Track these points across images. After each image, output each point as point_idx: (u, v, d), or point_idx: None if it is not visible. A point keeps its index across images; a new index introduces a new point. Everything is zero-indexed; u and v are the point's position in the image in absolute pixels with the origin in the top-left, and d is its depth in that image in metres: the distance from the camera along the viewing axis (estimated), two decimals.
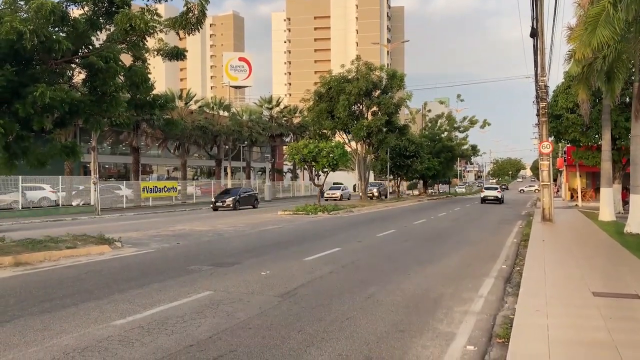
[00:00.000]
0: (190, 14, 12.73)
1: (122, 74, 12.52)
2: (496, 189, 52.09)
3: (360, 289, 9.47)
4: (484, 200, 47.96)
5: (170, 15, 14.43)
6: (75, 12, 12.61)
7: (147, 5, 12.55)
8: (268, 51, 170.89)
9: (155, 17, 12.29)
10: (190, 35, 13.32)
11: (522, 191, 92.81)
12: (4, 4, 11.37)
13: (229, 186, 47.94)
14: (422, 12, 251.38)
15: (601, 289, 8.71)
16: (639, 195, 17.81)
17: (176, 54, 13.83)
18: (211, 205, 36.84)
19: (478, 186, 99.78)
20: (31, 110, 11.10)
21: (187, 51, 14.55)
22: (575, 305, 7.79)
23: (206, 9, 12.83)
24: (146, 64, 13.54)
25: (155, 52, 13.57)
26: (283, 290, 9.24)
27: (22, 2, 11.40)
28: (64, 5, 11.83)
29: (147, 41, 13.14)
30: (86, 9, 12.42)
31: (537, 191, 59.62)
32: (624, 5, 13.57)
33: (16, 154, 12.68)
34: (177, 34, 13.17)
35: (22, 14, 11.04)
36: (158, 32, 12.64)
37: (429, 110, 79.83)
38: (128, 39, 12.58)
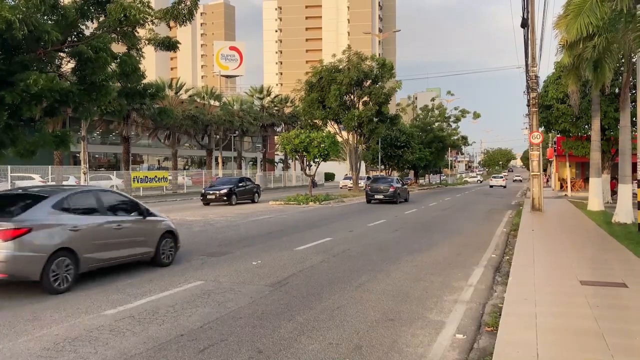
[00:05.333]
0: (182, 5, 12.63)
1: (112, 63, 12.42)
2: (502, 177, 70.54)
3: (351, 278, 9.52)
4: (491, 186, 64.46)
5: (160, 6, 14.32)
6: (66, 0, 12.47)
7: None
8: (259, 40, 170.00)
9: (147, 8, 12.19)
10: (182, 26, 13.22)
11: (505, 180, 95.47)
12: None
13: (220, 175, 47.62)
14: (414, 2, 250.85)
15: (589, 278, 8.81)
16: (627, 185, 17.98)
17: (168, 45, 13.72)
18: (201, 198, 30.72)
19: (478, 177, 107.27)
20: (19, 98, 10.99)
21: (179, 43, 14.44)
22: (563, 294, 7.88)
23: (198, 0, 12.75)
24: (140, 52, 13.44)
25: (147, 42, 13.46)
26: (274, 280, 9.27)
27: None
28: None
29: (137, 32, 13.03)
30: None
31: (505, 179, 73.13)
32: None
33: (4, 143, 12.56)
34: (168, 25, 13.06)
35: (11, 1, 10.89)
36: (150, 22, 12.53)
37: (414, 100, 79.84)
38: (119, 29, 12.47)
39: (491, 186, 65.08)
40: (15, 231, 7.91)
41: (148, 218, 10.65)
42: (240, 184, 31.76)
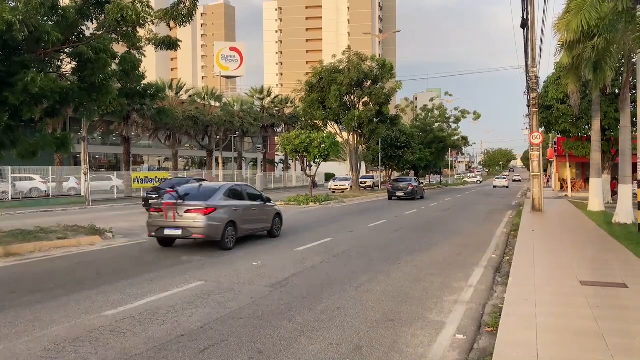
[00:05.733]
0: (182, 5, 12.66)
1: (112, 63, 12.45)
2: (504, 178, 75.36)
3: (351, 278, 9.53)
4: (495, 186, 67.87)
5: (160, 6, 14.35)
6: (65, 0, 12.49)
7: None
8: (259, 41, 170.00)
9: (147, 8, 12.21)
10: (182, 26, 13.25)
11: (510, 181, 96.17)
12: None
13: (221, 177, 47.41)
14: (414, 3, 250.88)
15: (589, 278, 8.81)
16: (628, 185, 17.97)
17: (169, 44, 13.75)
18: (142, 204, 25.00)
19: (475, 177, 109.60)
20: (21, 99, 11.01)
21: (180, 41, 14.47)
22: (563, 294, 7.88)
23: (197, 0, 12.78)
24: (141, 51, 13.46)
25: (148, 42, 13.49)
26: (274, 280, 9.28)
27: None
28: None
29: (138, 32, 13.06)
30: None
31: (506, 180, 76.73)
32: None
33: (4, 144, 12.59)
34: (168, 25, 13.09)
35: (11, 2, 10.92)
36: (149, 23, 12.56)
37: (412, 101, 79.80)
38: (119, 29, 12.50)
39: (494, 186, 68.33)
40: (208, 209, 12.55)
41: (267, 204, 15.27)
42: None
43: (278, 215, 15.67)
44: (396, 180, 40.12)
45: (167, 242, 13.49)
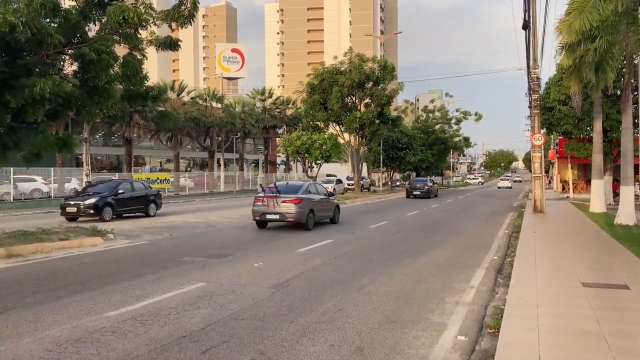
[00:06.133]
0: (183, 7, 12.69)
1: (115, 65, 12.46)
2: (508, 179, 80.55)
3: (353, 280, 9.53)
4: (499, 187, 71.34)
5: (162, 7, 14.38)
6: (67, 2, 12.51)
7: None
8: (261, 42, 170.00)
9: (149, 10, 12.23)
10: (183, 28, 13.27)
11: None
12: None
13: (222, 178, 47.41)
14: (416, 4, 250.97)
15: (591, 280, 8.81)
16: (630, 187, 17.95)
17: (169, 44, 13.76)
18: (60, 211, 21.06)
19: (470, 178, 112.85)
20: (22, 102, 11.03)
21: (181, 41, 14.49)
22: (565, 296, 7.88)
23: (198, 2, 12.80)
24: (143, 54, 13.47)
25: (149, 43, 13.50)
26: (276, 282, 9.28)
27: None
28: None
29: (140, 34, 13.08)
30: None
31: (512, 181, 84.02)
32: None
33: (7, 145, 12.61)
34: (170, 26, 13.11)
35: (13, 4, 10.94)
36: (151, 24, 12.58)
37: (413, 102, 79.86)
38: (121, 31, 12.52)
39: (499, 187, 71.67)
40: (297, 200, 17.33)
41: (330, 198, 20.14)
42: (122, 192, 21.81)
43: (337, 207, 20.37)
44: (413, 181, 45.32)
45: (263, 225, 18.21)
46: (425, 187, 42.11)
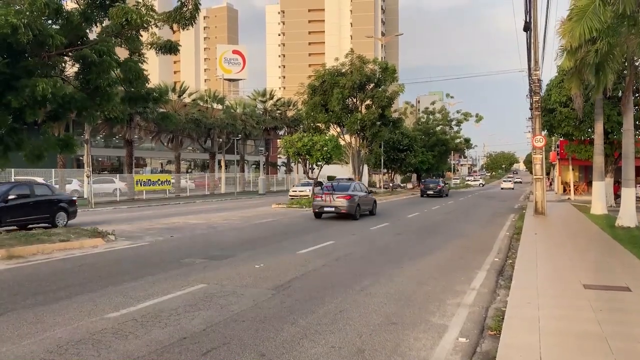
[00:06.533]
0: (185, 9, 12.70)
1: (116, 68, 12.47)
2: (510, 181, 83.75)
3: (354, 281, 9.52)
4: (502, 188, 74.18)
5: (163, 9, 14.39)
6: (69, 4, 12.53)
7: (143, 0, 12.48)
8: (262, 44, 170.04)
9: (150, 11, 12.24)
10: (184, 29, 13.27)
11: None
12: None
13: (223, 180, 47.33)
14: (416, 5, 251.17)
15: (592, 282, 8.80)
16: (631, 188, 17.94)
17: (169, 48, 13.77)
18: None
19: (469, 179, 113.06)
20: (23, 103, 11.04)
21: (180, 45, 14.49)
22: (566, 298, 7.87)
23: (199, 4, 12.80)
24: (143, 57, 13.48)
25: (149, 46, 13.51)
26: (276, 283, 9.28)
27: None
28: None
29: (142, 35, 13.09)
30: (81, 1, 12.36)
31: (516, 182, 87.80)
32: None
33: (9, 146, 12.63)
34: (171, 28, 13.12)
35: (16, 6, 10.96)
36: (153, 26, 12.59)
37: (413, 104, 79.94)
38: (123, 32, 12.53)
39: (502, 188, 74.54)
40: (348, 196, 22.04)
41: (369, 195, 25.07)
42: (14, 197, 16.96)
43: (375, 202, 25.47)
44: (427, 182, 49.80)
45: (319, 216, 22.72)
46: (438, 187, 46.87)
